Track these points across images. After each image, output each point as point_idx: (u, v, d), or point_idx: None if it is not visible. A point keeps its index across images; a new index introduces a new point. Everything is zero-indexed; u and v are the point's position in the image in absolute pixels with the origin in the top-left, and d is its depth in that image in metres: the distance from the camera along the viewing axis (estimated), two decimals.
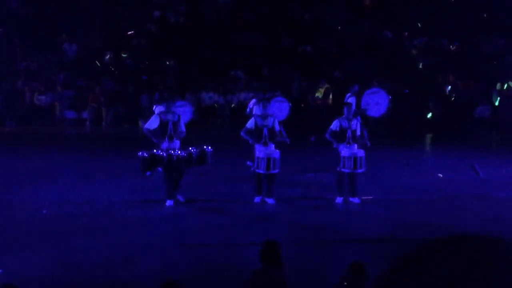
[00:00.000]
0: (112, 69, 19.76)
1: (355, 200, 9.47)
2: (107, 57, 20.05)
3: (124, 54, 20.20)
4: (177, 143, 9.29)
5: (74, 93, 19.11)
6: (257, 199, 9.42)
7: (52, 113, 18.89)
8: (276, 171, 9.32)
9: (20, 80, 19.39)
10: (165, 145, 9.25)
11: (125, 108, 18.74)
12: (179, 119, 9.36)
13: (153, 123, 9.39)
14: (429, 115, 18.38)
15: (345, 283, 4.35)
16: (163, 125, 9.28)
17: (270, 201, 9.41)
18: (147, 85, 18.93)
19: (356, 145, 9.47)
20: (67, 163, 12.41)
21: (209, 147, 9.25)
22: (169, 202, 9.22)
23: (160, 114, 9.45)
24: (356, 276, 4.30)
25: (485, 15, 20.39)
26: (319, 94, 18.30)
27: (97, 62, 19.84)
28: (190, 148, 9.21)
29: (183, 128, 9.39)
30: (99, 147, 14.70)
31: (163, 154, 9.04)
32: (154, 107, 13.18)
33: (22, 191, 10.07)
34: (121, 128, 18.11)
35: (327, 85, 18.19)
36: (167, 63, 19.84)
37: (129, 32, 20.63)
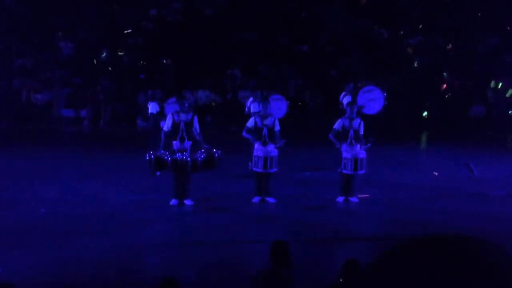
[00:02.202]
0: (110, 68, 19.77)
1: (353, 199, 9.55)
2: (104, 55, 20.05)
3: (120, 52, 20.21)
4: (188, 144, 9.13)
5: (71, 91, 19.13)
6: (255, 199, 9.47)
7: (49, 112, 18.89)
8: (274, 170, 9.36)
9: (16, 78, 19.38)
10: (176, 145, 9.13)
11: (123, 106, 18.78)
12: (192, 119, 9.20)
13: (168, 124, 9.24)
14: (425, 113, 18.48)
15: (341, 280, 4.43)
16: (175, 125, 9.13)
17: (271, 200, 9.46)
18: (145, 83, 18.96)
19: (358, 145, 9.44)
20: (65, 162, 12.42)
21: (218, 151, 9.17)
22: (173, 201, 9.24)
23: (173, 113, 9.31)
24: (350, 273, 4.39)
25: (479, 14, 20.49)
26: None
27: (94, 60, 19.83)
28: (199, 152, 9.12)
29: (198, 129, 9.20)
30: (97, 146, 14.73)
31: (167, 157, 9.01)
32: (148, 103, 13.22)
33: (20, 190, 10.07)
34: (119, 126, 18.13)
35: None
36: (164, 61, 19.87)
37: (126, 31, 20.63)
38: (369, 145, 9.51)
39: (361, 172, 9.41)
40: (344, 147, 9.43)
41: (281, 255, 4.60)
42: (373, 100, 13.81)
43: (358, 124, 9.51)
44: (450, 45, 20.33)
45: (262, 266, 4.75)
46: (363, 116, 12.04)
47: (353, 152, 9.37)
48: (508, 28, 19.89)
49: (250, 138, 9.55)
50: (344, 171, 9.39)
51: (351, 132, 9.42)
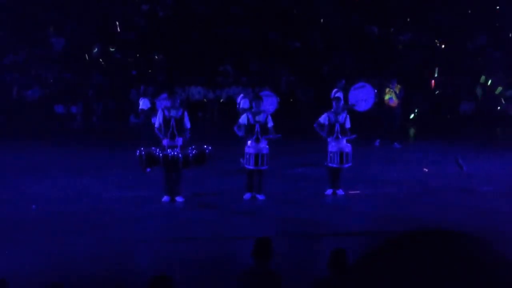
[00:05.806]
0: (102, 62, 19.71)
1: (340, 192, 9.70)
2: (95, 51, 19.99)
3: (112, 48, 20.16)
4: (179, 140, 9.11)
5: (63, 87, 19.07)
6: (246, 196, 9.53)
7: (40, 108, 18.82)
8: (265, 167, 9.42)
9: (7, 74, 19.28)
10: (166, 142, 9.12)
11: (115, 102, 18.75)
12: (183, 115, 9.18)
13: (159, 120, 9.21)
14: (415, 111, 18.58)
15: (328, 271, 4.50)
16: (166, 121, 9.11)
17: (260, 196, 9.52)
18: (136, 79, 18.94)
19: (344, 139, 9.61)
20: (56, 158, 12.42)
21: (209, 147, 9.20)
22: (165, 198, 9.26)
23: (163, 109, 9.29)
24: (338, 263, 4.46)
25: (469, 11, 20.62)
26: (391, 96, 14.33)
27: (85, 56, 19.77)
28: (190, 148, 9.14)
29: (188, 125, 9.20)
30: (88, 142, 14.70)
31: (159, 153, 9.02)
32: (140, 99, 13.24)
33: (11, 186, 10.07)
34: (110, 122, 18.10)
35: (398, 85, 14.52)
36: (156, 57, 19.86)
37: (118, 26, 20.57)
38: (354, 136, 9.64)
39: (346, 165, 9.58)
40: (330, 140, 9.56)
41: (265, 252, 4.65)
42: (365, 98, 13.86)
43: (344, 118, 9.65)
44: (439, 42, 20.45)
45: (252, 262, 4.79)
46: (353, 112, 12.13)
47: (339, 146, 9.51)
48: (497, 25, 20.03)
49: (241, 134, 9.60)
50: (330, 165, 9.54)
51: (337, 126, 9.56)
